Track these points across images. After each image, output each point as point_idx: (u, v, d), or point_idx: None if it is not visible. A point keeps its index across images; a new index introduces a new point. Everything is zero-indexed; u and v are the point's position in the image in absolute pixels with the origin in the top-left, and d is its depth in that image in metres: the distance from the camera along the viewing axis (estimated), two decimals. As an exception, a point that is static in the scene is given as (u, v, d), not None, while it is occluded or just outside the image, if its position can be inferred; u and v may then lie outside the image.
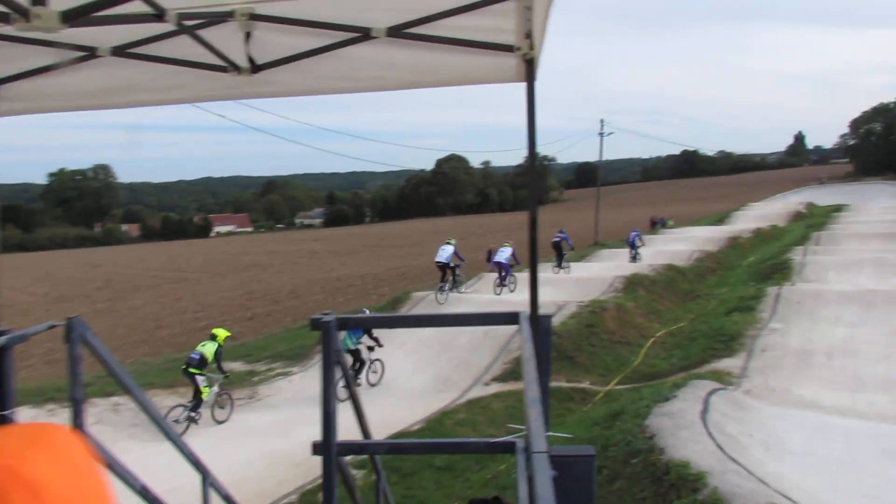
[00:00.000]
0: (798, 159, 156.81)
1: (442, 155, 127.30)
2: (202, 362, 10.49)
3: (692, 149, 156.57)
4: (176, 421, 9.83)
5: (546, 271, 20.57)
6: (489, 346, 12.79)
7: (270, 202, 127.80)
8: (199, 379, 10.38)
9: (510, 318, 2.77)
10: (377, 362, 12.38)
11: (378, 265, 37.49)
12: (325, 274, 35.04)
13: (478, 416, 9.81)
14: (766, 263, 21.84)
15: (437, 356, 13.16)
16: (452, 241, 17.98)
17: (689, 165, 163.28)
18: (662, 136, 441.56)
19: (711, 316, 15.04)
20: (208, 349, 10.62)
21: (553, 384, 11.34)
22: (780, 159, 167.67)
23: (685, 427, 6.86)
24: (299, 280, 32.91)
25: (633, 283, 18.26)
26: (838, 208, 43.61)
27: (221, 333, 10.90)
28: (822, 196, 56.68)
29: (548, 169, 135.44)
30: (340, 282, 31.03)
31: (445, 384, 12.04)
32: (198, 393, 10.33)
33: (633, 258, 24.31)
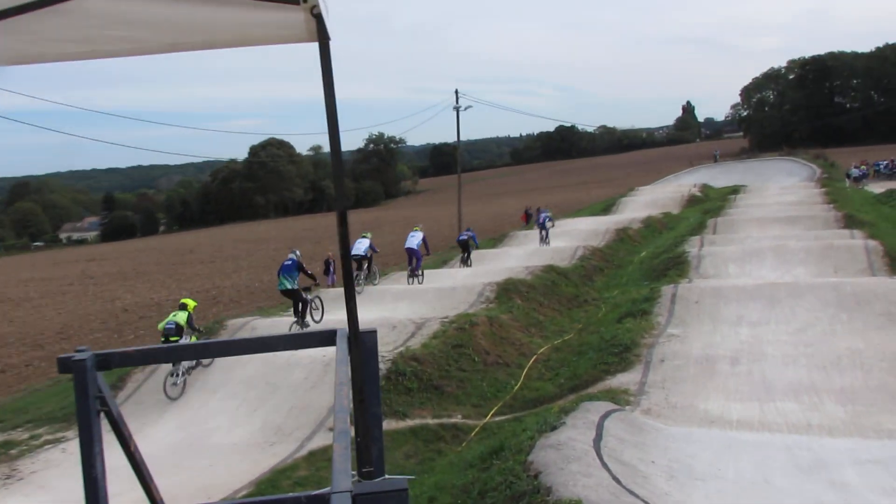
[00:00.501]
0: (688, 133, 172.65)
1: (257, 140, 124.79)
2: (179, 330, 14.13)
3: (568, 124, 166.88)
4: (174, 383, 13.70)
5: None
6: (332, 381, 12.81)
7: (22, 212, 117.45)
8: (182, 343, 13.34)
9: (326, 338, 2.85)
10: (317, 299, 16.47)
11: (180, 287, 36.22)
12: (105, 304, 33.76)
13: (323, 472, 9.72)
14: (659, 258, 23.82)
15: (264, 399, 12.99)
16: (368, 235, 21.77)
17: (566, 144, 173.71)
18: (534, 109, 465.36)
19: (601, 324, 16.08)
20: (180, 317, 14.34)
21: (417, 421, 11.53)
22: (669, 134, 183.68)
23: (575, 459, 7.28)
24: (69, 315, 31.52)
25: (507, 291, 19.05)
26: (735, 189, 48.75)
27: (191, 303, 14.88)
28: (717, 176, 63.11)
29: (396, 154, 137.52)
30: (129, 313, 30.14)
31: (278, 434, 11.88)
32: None
33: (544, 240, 29.99)
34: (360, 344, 2.84)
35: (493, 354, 14.41)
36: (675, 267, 21.16)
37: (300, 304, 16.31)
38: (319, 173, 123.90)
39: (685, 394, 10.96)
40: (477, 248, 27.87)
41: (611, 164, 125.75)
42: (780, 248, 21.53)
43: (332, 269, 24.06)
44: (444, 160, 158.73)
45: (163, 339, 13.91)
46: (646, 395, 10.94)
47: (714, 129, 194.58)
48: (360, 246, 20.80)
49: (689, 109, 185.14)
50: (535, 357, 14.68)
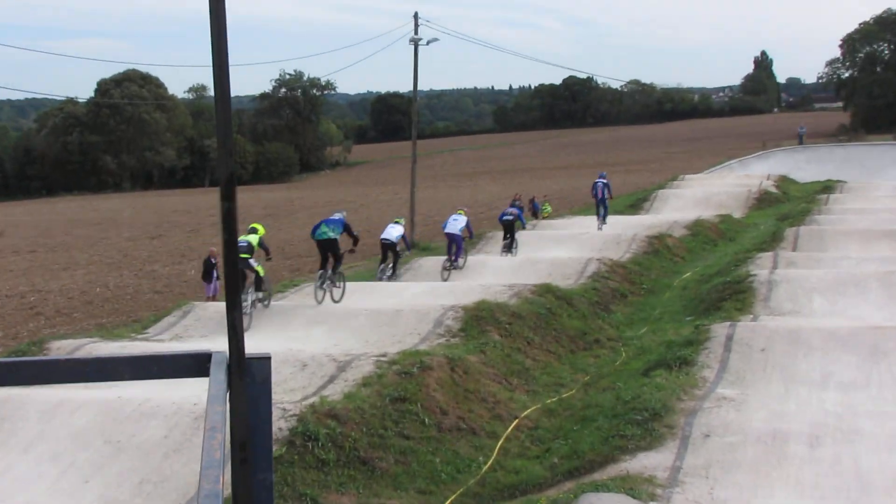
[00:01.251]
0: (762, 100, 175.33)
1: (109, 71, 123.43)
2: (250, 248, 20.85)
3: (583, 75, 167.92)
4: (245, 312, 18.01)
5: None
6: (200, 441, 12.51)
7: None
8: (251, 262, 20.79)
9: (196, 364, 2.87)
10: (342, 275, 22.78)
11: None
12: None
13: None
14: (710, 283, 24.03)
15: (101, 466, 12.75)
16: (401, 221, 28.33)
17: (579, 105, 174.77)
18: (532, 49, 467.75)
19: (619, 377, 15.99)
20: (252, 238, 21.20)
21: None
22: (734, 99, 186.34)
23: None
24: None
25: (478, 320, 18.98)
26: (828, 187, 49.06)
27: (261, 228, 22.06)
28: (802, 164, 64.20)
29: (319, 105, 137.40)
30: None
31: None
32: (255, 275, 20.94)
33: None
34: (247, 375, 2.79)
35: (452, 415, 14.29)
36: (733, 297, 21.25)
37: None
38: (202, 128, 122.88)
39: (740, 486, 10.94)
40: (524, 228, 34.33)
41: (644, 138, 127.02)
42: (891, 275, 21.74)
43: (215, 273, 24.78)
44: (392, 119, 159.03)
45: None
46: (680, 488, 10.90)
47: (800, 96, 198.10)
48: (393, 231, 27.22)
49: (764, 64, 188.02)
50: (516, 422, 14.55)
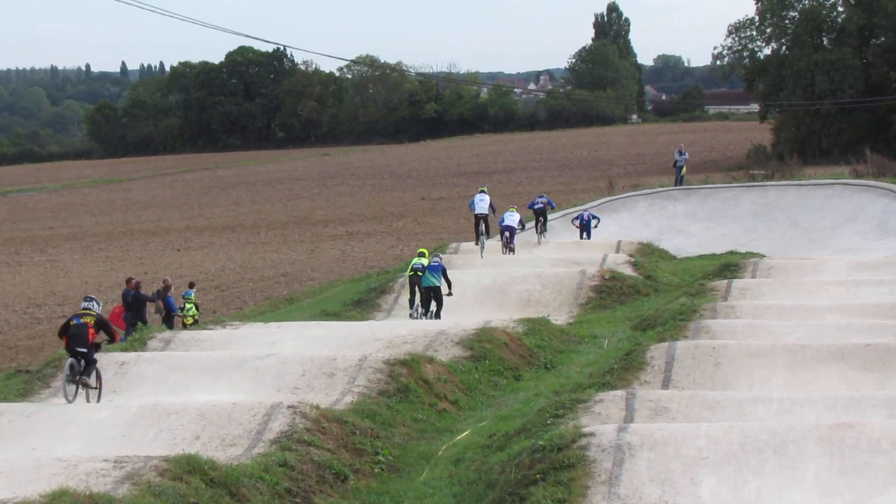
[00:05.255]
0: (607, 98, 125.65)
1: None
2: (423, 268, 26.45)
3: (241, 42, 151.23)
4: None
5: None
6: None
7: None
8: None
9: None
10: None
11: None
12: None
13: None
14: (507, 451, 12.39)
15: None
16: (485, 189, 35.25)
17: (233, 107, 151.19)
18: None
19: None
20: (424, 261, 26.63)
21: None
22: (556, 96, 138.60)
23: None
24: None
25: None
26: (730, 265, 31.84)
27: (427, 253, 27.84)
28: (682, 223, 45.26)
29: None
30: None
31: None
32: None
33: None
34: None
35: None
36: (550, 478, 12.87)
37: (439, 304, 26.76)
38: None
39: None
40: (553, 209, 39.99)
41: (376, 169, 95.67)
42: (843, 433, 14.87)
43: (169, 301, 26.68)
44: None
45: (410, 275, 26.32)
46: None
47: (680, 91, 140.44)
48: (483, 204, 33.68)
49: (612, 30, 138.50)
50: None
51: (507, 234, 34.72)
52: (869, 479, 13.10)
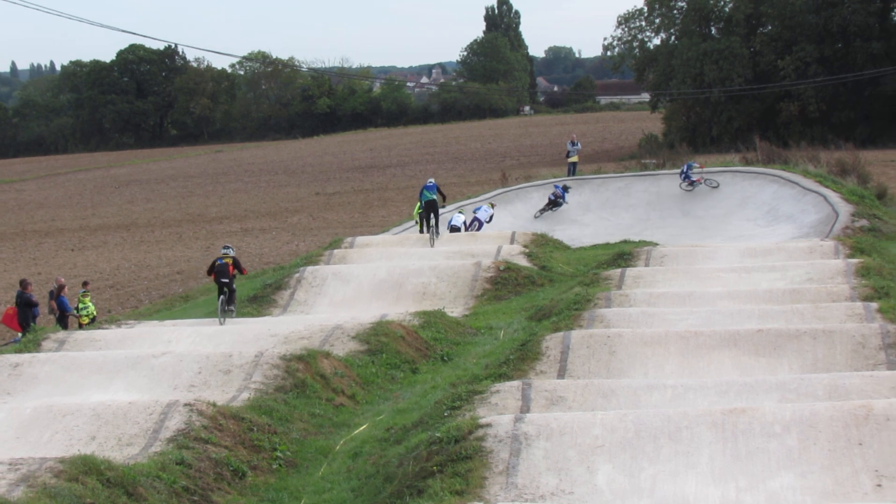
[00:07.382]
0: (499, 91, 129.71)
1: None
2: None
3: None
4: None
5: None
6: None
7: None
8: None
9: None
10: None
11: None
12: None
13: None
14: (406, 444, 12.81)
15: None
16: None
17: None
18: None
19: None
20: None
21: None
22: (449, 88, 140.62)
23: None
24: None
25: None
26: (624, 254, 31.01)
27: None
28: (576, 214, 44.07)
29: None
30: None
31: None
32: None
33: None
34: None
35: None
36: (448, 469, 12.09)
37: (437, 218, 32.63)
38: None
39: None
40: (569, 189, 43.74)
41: (264, 165, 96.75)
42: (735, 418, 14.91)
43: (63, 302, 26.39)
44: None
45: (420, 209, 32.96)
46: None
47: (571, 83, 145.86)
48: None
49: (503, 21, 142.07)
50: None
51: (449, 231, 37.42)
52: (762, 463, 13.15)
